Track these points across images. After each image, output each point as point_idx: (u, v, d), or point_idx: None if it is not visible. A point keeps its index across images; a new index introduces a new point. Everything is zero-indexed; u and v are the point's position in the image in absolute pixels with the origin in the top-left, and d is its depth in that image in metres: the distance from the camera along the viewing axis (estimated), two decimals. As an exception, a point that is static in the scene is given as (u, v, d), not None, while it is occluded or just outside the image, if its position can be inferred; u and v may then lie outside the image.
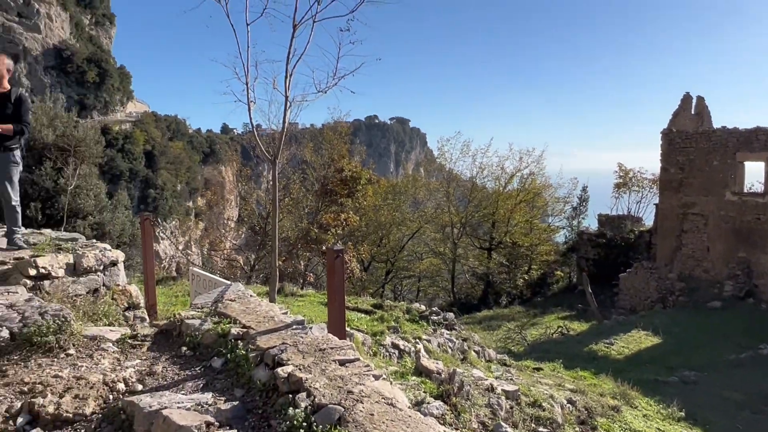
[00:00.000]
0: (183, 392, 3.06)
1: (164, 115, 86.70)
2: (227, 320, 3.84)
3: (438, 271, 31.08)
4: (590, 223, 32.15)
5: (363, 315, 11.63)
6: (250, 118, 8.74)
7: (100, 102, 71.08)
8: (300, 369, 2.93)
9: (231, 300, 4.27)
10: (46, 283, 4.95)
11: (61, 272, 5.08)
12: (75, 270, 5.20)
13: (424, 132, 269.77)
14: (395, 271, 29.73)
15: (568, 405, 6.98)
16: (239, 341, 3.47)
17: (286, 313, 3.93)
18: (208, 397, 2.93)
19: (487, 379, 7.33)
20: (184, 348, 3.65)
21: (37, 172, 17.27)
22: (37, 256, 5.16)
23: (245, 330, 3.61)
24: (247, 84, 8.47)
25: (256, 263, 20.40)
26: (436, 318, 12.54)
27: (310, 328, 3.52)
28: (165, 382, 3.23)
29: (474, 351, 11.45)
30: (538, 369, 11.15)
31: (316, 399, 2.64)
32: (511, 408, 5.95)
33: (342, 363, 3.05)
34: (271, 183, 22.76)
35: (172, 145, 79.50)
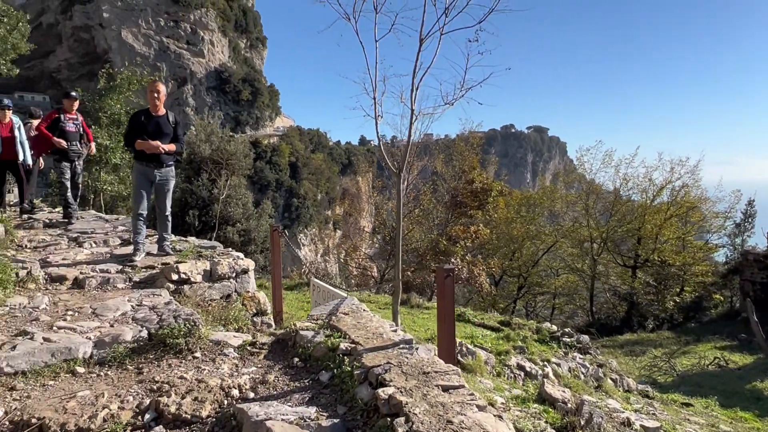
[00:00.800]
0: (290, 404, 3.11)
1: (307, 129, 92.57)
2: (338, 334, 3.88)
3: (575, 288, 29.31)
4: (757, 242, 28.32)
5: (489, 332, 11.31)
6: (377, 132, 8.92)
7: (252, 118, 77.75)
8: (401, 391, 2.85)
9: (344, 313, 4.32)
10: (186, 287, 5.40)
11: (198, 278, 5.51)
12: (211, 276, 5.62)
13: (564, 141, 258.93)
14: (528, 286, 28.58)
15: (720, 451, 6.12)
16: (346, 357, 3.47)
17: (395, 331, 3.87)
18: (311, 411, 2.95)
19: (623, 412, 6.70)
20: (296, 359, 3.74)
21: (196, 183, 19.20)
22: (180, 262, 5.65)
23: (353, 345, 3.61)
24: (374, 99, 8.67)
25: (385, 273, 20.81)
26: (568, 340, 11.79)
27: (416, 348, 3.42)
28: (275, 392, 3.31)
29: (611, 379, 10.57)
30: (688, 405, 10.00)
31: (414, 426, 2.53)
32: (649, 448, 5.35)
33: (445, 389, 2.90)
34: (404, 193, 23.19)
35: (314, 156, 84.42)
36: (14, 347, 3.59)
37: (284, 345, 4.08)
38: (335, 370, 3.38)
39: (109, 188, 16.07)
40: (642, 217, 26.89)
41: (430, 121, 11.63)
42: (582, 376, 9.96)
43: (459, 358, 8.06)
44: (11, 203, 10.96)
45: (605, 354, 13.99)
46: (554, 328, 13.17)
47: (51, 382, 3.44)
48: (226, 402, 3.24)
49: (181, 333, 3.93)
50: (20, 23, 16.04)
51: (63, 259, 5.88)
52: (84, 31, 66.21)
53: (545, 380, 7.58)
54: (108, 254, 6.28)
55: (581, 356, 11.01)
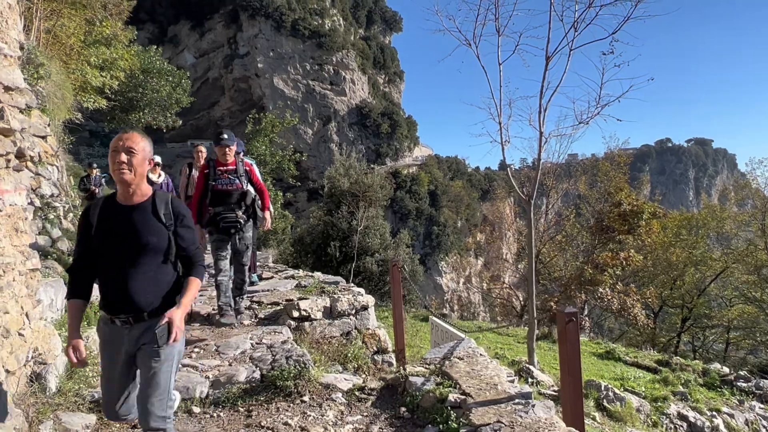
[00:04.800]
0: (390, 462, 2.87)
1: (446, 157, 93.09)
2: (448, 382, 3.57)
3: (754, 321, 25.41)
4: None
5: (643, 373, 10.06)
6: (503, 158, 8.52)
7: (392, 149, 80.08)
8: (510, 460, 2.47)
9: (459, 358, 4.00)
10: (307, 324, 5.43)
11: (319, 315, 5.52)
12: (331, 313, 5.61)
13: (733, 153, 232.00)
14: (694, 318, 25.35)
15: None
16: (454, 410, 3.16)
17: (512, 381, 3.46)
18: (411, 474, 2.68)
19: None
20: (403, 408, 3.50)
21: (336, 216, 19.98)
22: (302, 298, 5.72)
23: (463, 397, 3.28)
24: (500, 123, 8.32)
25: (526, 303, 19.80)
26: (744, 385, 10.10)
27: (533, 405, 2.99)
28: (377, 446, 3.10)
29: (804, 435, 8.81)
30: None
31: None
32: None
33: (563, 460, 2.46)
34: (545, 218, 22.09)
35: (453, 184, 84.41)
36: (140, 385, 3.78)
37: (393, 391, 3.86)
38: (441, 426, 3.09)
39: (257, 223, 17.27)
40: (838, 237, 22.75)
41: (568, 141, 11.06)
42: (763, 431, 8.42)
43: (605, 404, 7.22)
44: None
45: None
46: (726, 370, 11.41)
47: (169, 422, 3.55)
48: (325, 454, 3.09)
49: (291, 375, 3.88)
50: (183, 80, 18.31)
51: (200, 294, 6.26)
52: (242, 81, 73.75)
53: (711, 437, 6.47)
54: (240, 290, 6.58)
55: (762, 406, 9.33)
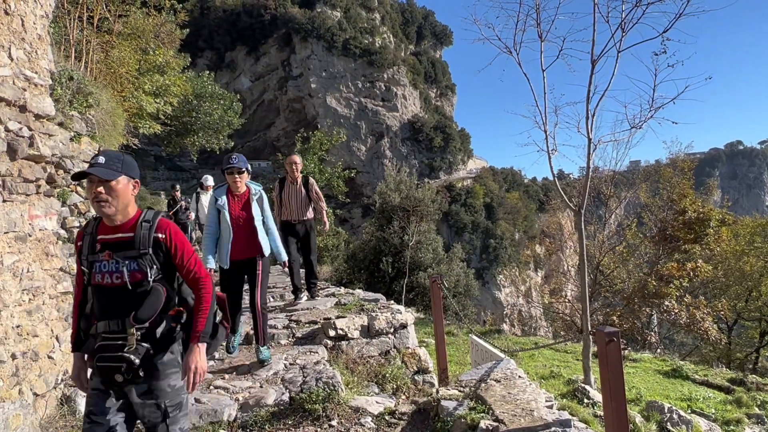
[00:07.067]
0: (413, 495, 2.69)
1: (501, 168, 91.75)
2: (482, 407, 3.35)
3: (843, 335, 23.37)
4: None
5: (714, 393, 9.31)
6: (551, 168, 8.18)
7: (445, 163, 79.69)
8: (539, 499, 2.24)
9: (496, 380, 3.76)
10: (344, 343, 5.31)
11: (356, 334, 5.39)
12: (369, 332, 5.47)
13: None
14: (773, 332, 23.57)
15: None
16: (485, 439, 2.93)
17: (551, 406, 3.21)
18: None
19: None
20: (433, 435, 3.30)
21: (388, 231, 19.91)
22: (340, 317, 5.61)
23: (496, 424, 3.05)
24: (545, 132, 8.00)
25: (590, 316, 18.95)
26: (831, 406, 9.17)
27: (569, 436, 2.74)
28: (402, 477, 2.92)
29: None
30: None
31: None
32: None
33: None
34: (605, 228, 21.20)
35: (509, 196, 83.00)
36: (169, 407, 3.75)
37: (425, 415, 3.67)
38: (470, 456, 2.87)
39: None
40: None
41: (625, 147, 10.68)
42: None
43: (668, 427, 6.69)
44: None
45: None
46: (810, 389, 10.42)
47: (195, 446, 3.50)
48: (348, 484, 2.94)
49: (319, 398, 3.77)
50: (233, 103, 18.90)
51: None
52: (296, 102, 75.56)
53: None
54: (279, 309, 6.56)
55: None
